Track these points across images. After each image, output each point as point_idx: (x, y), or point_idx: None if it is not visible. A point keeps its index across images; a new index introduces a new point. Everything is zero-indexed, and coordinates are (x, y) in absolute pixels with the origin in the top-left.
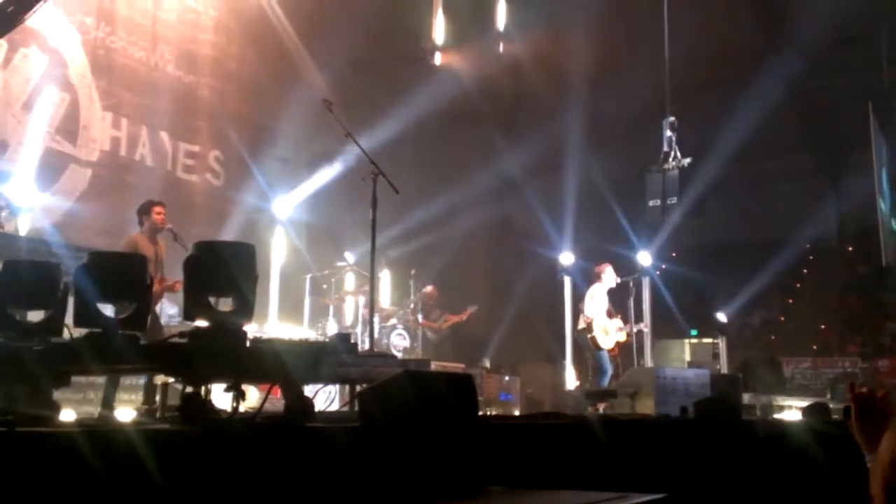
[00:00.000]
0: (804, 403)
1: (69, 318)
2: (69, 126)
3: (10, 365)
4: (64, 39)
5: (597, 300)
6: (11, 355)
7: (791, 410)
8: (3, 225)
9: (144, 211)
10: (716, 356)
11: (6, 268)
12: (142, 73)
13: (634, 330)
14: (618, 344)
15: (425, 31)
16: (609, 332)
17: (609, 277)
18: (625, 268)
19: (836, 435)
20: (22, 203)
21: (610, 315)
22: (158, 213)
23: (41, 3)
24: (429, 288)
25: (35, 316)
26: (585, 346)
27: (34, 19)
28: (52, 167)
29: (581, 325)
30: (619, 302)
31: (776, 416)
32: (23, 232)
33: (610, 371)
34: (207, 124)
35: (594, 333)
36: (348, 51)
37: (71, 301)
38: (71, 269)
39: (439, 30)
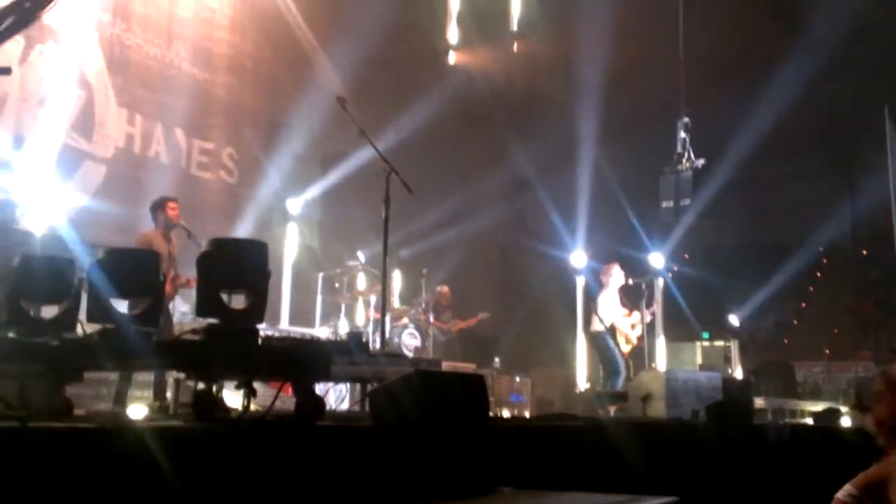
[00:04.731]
0: (817, 408)
1: (83, 314)
2: (84, 122)
3: (24, 360)
4: (80, 36)
5: (610, 307)
6: (25, 350)
7: (803, 415)
8: (18, 221)
9: (158, 207)
10: (728, 359)
11: (21, 263)
12: (157, 71)
13: (647, 319)
14: (639, 339)
15: (440, 31)
16: (629, 336)
17: (616, 278)
18: (637, 269)
19: (848, 440)
20: (33, 201)
21: (623, 313)
22: (173, 209)
23: None
24: (443, 288)
25: (49, 311)
26: (600, 348)
27: (50, 15)
28: (68, 163)
29: (598, 327)
30: (632, 304)
31: (788, 420)
32: (38, 228)
33: (624, 372)
34: (222, 122)
35: (617, 339)
36: (363, 49)
37: (84, 297)
38: (85, 265)
39: (453, 29)
